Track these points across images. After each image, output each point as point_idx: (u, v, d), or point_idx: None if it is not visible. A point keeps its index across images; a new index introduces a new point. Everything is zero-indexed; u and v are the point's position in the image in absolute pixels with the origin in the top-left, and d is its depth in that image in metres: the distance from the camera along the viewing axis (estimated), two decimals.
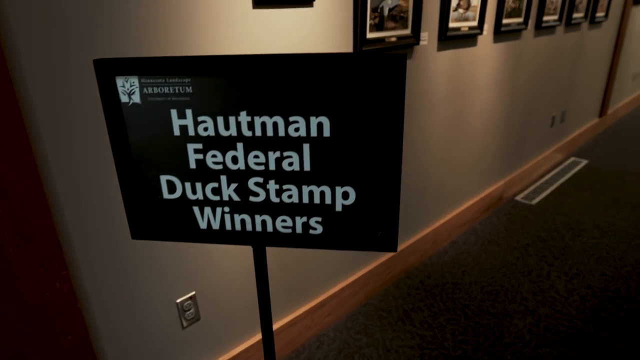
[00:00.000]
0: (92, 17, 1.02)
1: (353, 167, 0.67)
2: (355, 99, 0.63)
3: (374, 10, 1.64)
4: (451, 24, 2.04)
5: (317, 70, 0.62)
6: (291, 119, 0.65)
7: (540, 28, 2.82)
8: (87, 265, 1.18)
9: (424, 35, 1.93)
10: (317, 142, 0.66)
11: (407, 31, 1.82)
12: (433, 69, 2.05)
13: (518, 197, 3.18)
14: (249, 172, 0.70)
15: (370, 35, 1.66)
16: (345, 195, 0.70)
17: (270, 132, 0.66)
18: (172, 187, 0.75)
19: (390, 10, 1.71)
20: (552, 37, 3.05)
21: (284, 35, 1.42)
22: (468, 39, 2.20)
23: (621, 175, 3.56)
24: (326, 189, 0.70)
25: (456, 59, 2.19)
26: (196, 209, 0.76)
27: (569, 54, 3.41)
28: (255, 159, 0.69)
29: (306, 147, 0.66)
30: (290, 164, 0.68)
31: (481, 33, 2.24)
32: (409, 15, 1.81)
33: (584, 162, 3.85)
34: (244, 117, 0.65)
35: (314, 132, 0.65)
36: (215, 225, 0.76)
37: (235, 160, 0.69)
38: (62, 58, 1.00)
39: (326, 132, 0.65)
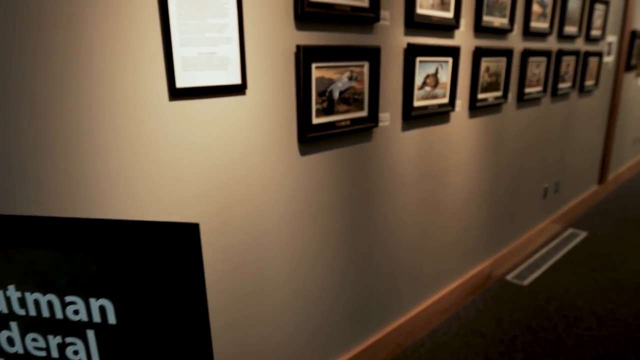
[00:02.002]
0: None
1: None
2: (141, 277, 0.47)
3: (320, 94, 1.52)
4: (417, 103, 1.91)
5: (93, 240, 0.47)
6: (67, 299, 0.48)
7: (523, 100, 2.70)
8: None
9: (384, 116, 1.80)
10: (103, 329, 0.49)
11: (363, 113, 1.69)
12: (397, 151, 1.91)
13: (509, 277, 2.93)
14: (28, 358, 0.52)
15: (317, 120, 1.53)
16: None
17: (46, 313, 0.49)
18: None
19: (341, 92, 1.59)
20: (537, 108, 2.93)
21: (211, 129, 1.28)
22: (438, 116, 2.07)
23: (623, 250, 3.30)
24: None
25: (425, 138, 2.04)
26: None
27: (559, 124, 3.28)
28: (34, 342, 0.51)
29: (91, 334, 0.49)
30: (76, 353, 0.51)
31: (453, 110, 2.11)
32: (365, 97, 1.68)
33: (583, 234, 3.61)
34: (12, 292, 0.49)
35: (96, 317, 0.49)
36: None
37: (11, 341, 0.52)
38: None
39: (111, 319, 0.48)
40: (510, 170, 2.80)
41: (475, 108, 2.28)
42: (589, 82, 3.53)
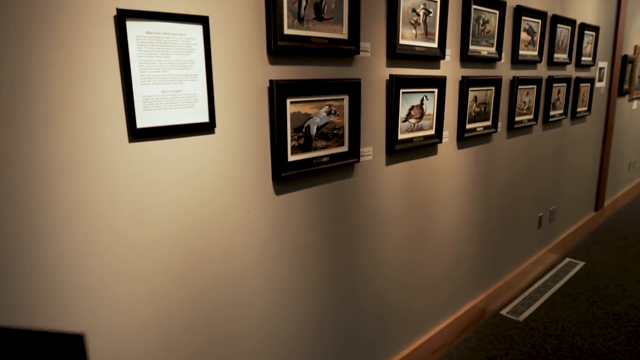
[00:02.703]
0: None
1: None
2: None
3: (296, 130, 1.45)
4: (402, 135, 1.84)
5: None
6: None
7: (513, 129, 2.64)
8: None
9: (366, 150, 1.72)
10: None
11: (344, 148, 1.62)
12: (381, 185, 1.83)
13: (503, 311, 2.81)
14: None
15: (293, 157, 1.45)
16: None
17: None
18: None
19: (319, 128, 1.52)
20: (529, 136, 2.87)
21: (176, 169, 1.20)
22: (425, 148, 2.00)
23: (622, 282, 3.19)
24: None
25: (412, 171, 1.97)
26: None
27: (552, 151, 3.21)
28: None
29: None
30: None
31: (440, 141, 2.04)
32: (345, 132, 1.61)
33: (580, 264, 3.51)
34: None
35: None
36: None
37: None
38: None
39: None
40: (502, 200, 2.71)
41: (464, 139, 2.22)
42: (581, 109, 3.49)
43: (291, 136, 1.43)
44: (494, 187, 2.59)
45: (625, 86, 4.39)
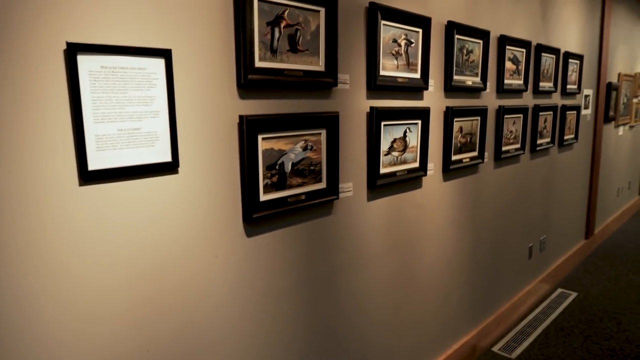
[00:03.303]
0: None
1: None
2: None
3: (269, 167, 1.36)
4: (384, 169, 1.76)
5: None
6: None
7: (501, 159, 2.58)
8: None
9: (346, 186, 1.63)
10: None
11: (321, 185, 1.53)
12: (363, 222, 1.73)
13: (496, 348, 2.69)
14: None
15: (266, 197, 1.36)
16: None
17: None
18: None
19: (295, 164, 1.43)
20: (517, 165, 2.81)
21: (134, 213, 1.10)
22: (409, 182, 1.92)
23: (616, 314, 3.10)
24: None
25: (396, 205, 1.88)
26: None
27: (540, 180, 3.16)
28: None
29: None
30: None
31: (425, 174, 1.96)
32: (323, 168, 1.52)
33: (573, 294, 3.41)
34: None
35: None
36: None
37: None
38: None
39: None
40: (491, 231, 2.63)
41: (450, 170, 2.14)
42: (568, 136, 3.46)
43: (263, 174, 1.34)
44: (482, 219, 2.51)
45: (611, 113, 4.40)
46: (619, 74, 4.56)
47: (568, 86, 3.33)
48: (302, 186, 1.46)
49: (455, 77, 2.10)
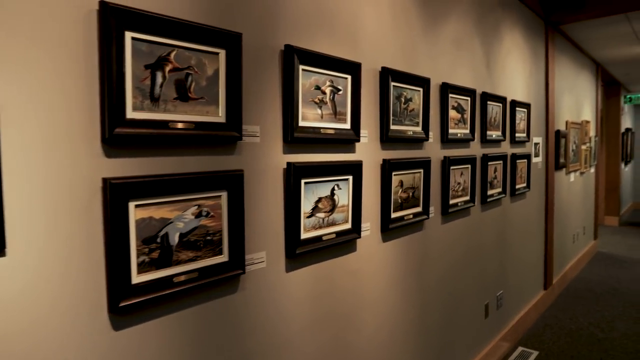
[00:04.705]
0: None
1: None
2: None
3: (147, 241, 1.08)
4: (307, 234, 1.52)
5: None
6: None
7: (449, 213, 2.39)
8: None
9: (256, 256, 1.37)
10: None
11: (222, 258, 1.26)
12: (282, 297, 1.46)
13: None
14: None
15: (141, 278, 1.07)
16: None
17: None
18: None
19: (184, 235, 1.17)
20: (467, 219, 2.63)
21: None
22: (339, 246, 1.68)
23: None
24: None
25: (323, 274, 1.62)
26: None
27: (494, 232, 2.99)
28: None
29: None
30: None
31: (359, 236, 1.73)
32: (224, 237, 1.26)
33: (534, 353, 3.19)
34: None
35: None
36: None
37: None
38: None
39: None
40: (442, 292, 2.40)
41: (390, 229, 1.92)
42: (520, 185, 3.36)
43: (138, 250, 1.07)
44: (430, 280, 2.28)
45: (562, 160, 4.39)
46: (567, 122, 4.61)
47: (517, 134, 3.26)
48: (196, 261, 1.19)
49: (393, 127, 1.93)
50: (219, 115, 1.23)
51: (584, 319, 3.79)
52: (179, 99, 1.14)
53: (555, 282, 4.31)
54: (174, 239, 1.14)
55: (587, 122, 5.45)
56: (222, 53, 1.23)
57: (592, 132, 5.81)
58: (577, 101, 5.08)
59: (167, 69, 1.12)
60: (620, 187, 8.17)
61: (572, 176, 4.89)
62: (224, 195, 1.25)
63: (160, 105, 1.11)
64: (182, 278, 1.16)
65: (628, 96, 8.44)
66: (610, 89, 7.84)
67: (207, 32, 1.18)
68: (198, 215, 1.19)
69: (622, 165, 8.61)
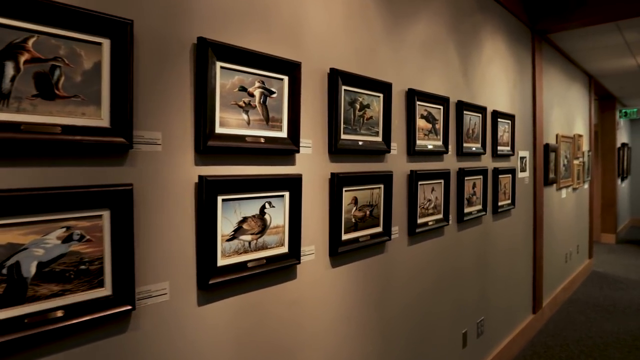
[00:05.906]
0: None
1: None
2: None
3: None
4: (225, 261, 1.28)
5: None
6: None
7: (416, 234, 2.16)
8: None
9: (155, 287, 1.14)
10: None
11: (103, 291, 1.03)
12: (192, 335, 1.22)
13: None
14: None
15: None
16: None
17: None
18: None
19: (44, 264, 0.94)
20: (440, 239, 2.40)
21: None
22: (273, 274, 1.44)
23: None
24: None
25: (253, 306, 1.39)
26: None
27: (473, 253, 2.76)
28: None
29: None
30: None
31: (298, 261, 1.50)
32: (106, 266, 1.03)
33: None
34: None
35: None
36: None
37: None
38: None
39: None
40: (409, 323, 2.15)
41: (340, 253, 1.69)
42: (503, 202, 3.13)
43: None
44: (394, 308, 2.04)
45: (552, 175, 4.17)
46: (557, 135, 4.40)
47: (499, 147, 3.04)
48: (63, 296, 0.96)
49: (345, 137, 1.71)
50: (101, 118, 1.02)
51: (575, 347, 3.52)
52: (40, 96, 0.93)
53: (546, 305, 4.04)
54: (30, 269, 0.91)
55: (580, 136, 5.25)
56: (106, 43, 1.02)
57: (585, 147, 5.60)
58: (569, 114, 4.88)
59: (23, 59, 0.90)
60: (617, 204, 7.93)
61: (563, 192, 4.66)
62: (105, 214, 1.02)
63: (12, 104, 0.89)
64: (42, 317, 0.92)
65: (623, 110, 8.26)
66: (605, 102, 7.66)
67: (81, 16, 0.97)
68: (67, 239, 0.96)
69: (619, 181, 8.39)
